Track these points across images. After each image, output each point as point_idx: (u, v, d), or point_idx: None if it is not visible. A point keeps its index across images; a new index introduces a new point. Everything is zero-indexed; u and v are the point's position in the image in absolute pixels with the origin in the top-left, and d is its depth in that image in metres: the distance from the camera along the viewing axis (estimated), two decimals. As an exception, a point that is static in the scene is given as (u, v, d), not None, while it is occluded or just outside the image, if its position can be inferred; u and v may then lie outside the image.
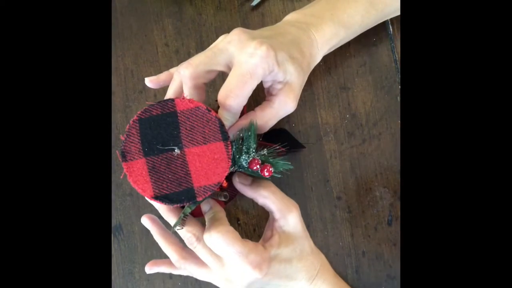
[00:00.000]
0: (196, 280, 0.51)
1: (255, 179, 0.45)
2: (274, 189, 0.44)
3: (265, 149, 0.41)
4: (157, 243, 0.45)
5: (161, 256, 0.49)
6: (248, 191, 0.44)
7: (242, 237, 0.41)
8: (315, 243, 0.47)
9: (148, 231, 0.46)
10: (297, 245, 0.44)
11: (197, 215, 0.45)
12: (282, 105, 0.42)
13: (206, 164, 0.38)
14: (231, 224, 0.42)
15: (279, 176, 0.41)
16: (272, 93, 0.43)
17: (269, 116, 0.42)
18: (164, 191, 0.38)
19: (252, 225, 0.51)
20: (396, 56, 0.52)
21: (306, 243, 0.45)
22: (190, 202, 0.38)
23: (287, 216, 0.44)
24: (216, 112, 0.40)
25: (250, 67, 0.39)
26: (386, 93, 0.51)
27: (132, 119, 0.38)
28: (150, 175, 0.38)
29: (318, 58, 0.46)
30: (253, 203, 0.51)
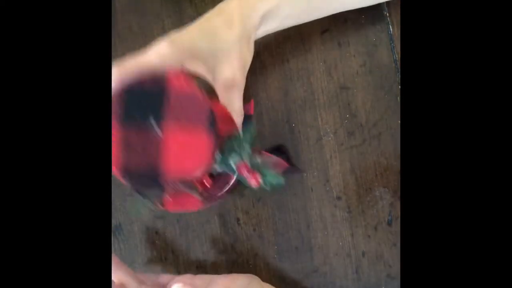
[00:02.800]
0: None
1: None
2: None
3: (260, 158, 0.39)
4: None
5: (161, 256, 0.50)
6: None
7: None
8: (315, 243, 0.47)
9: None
10: None
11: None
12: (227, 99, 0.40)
13: (184, 150, 0.35)
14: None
15: (267, 189, 0.39)
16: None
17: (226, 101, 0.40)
18: (131, 167, 0.35)
19: (252, 225, 0.51)
20: (396, 56, 0.52)
21: None
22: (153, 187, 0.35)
23: None
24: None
25: None
26: (386, 93, 0.51)
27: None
28: (120, 144, 0.35)
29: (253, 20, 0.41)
30: (253, 202, 0.51)
